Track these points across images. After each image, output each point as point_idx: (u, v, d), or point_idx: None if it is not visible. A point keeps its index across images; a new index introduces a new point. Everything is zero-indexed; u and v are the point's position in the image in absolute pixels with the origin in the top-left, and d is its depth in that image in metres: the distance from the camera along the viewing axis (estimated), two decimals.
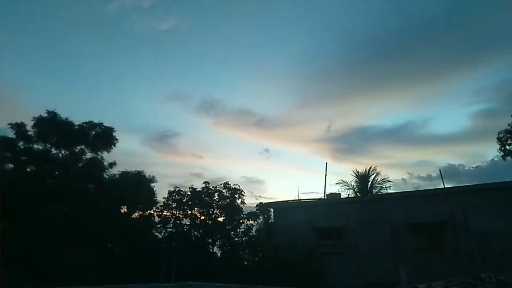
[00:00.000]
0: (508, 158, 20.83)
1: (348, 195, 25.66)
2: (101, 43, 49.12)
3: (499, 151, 21.11)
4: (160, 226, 27.38)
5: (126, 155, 46.30)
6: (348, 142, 52.49)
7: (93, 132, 23.13)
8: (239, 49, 54.36)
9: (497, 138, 21.08)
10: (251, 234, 27.29)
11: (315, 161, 61.92)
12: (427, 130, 49.44)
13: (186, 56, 55.76)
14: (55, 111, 22.18)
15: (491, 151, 53.05)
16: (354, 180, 26.29)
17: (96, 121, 23.43)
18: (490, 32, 38.19)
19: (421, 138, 43.18)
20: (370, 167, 26.19)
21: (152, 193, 26.47)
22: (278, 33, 51.93)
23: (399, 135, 45.38)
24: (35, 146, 22.05)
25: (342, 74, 48.42)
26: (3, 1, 40.89)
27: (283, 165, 60.81)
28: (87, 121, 23.29)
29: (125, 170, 24.77)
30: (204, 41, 53.51)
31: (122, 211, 24.59)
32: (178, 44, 52.86)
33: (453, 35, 39.29)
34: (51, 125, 21.79)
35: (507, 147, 20.74)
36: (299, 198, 25.60)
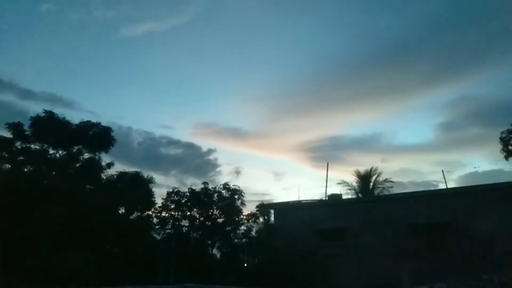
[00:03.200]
0: (511, 158, 20.64)
1: (351, 195, 25.35)
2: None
3: (502, 151, 20.92)
4: (159, 227, 27.08)
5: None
6: (322, 151, 57.28)
7: (91, 132, 22.92)
8: (222, 71, 60.67)
9: (500, 138, 20.89)
10: (251, 235, 27.04)
11: (294, 168, 67.31)
12: (396, 140, 56.08)
13: (179, 80, 61.26)
14: (52, 110, 22.00)
15: (464, 159, 56.38)
16: (355, 180, 25.99)
17: (93, 120, 23.29)
18: (449, 56, 44.33)
19: (393, 148, 46.68)
20: (372, 168, 25.91)
21: (150, 194, 26.20)
22: (257, 56, 57.59)
23: (370, 145, 50.44)
24: (32, 146, 21.83)
25: (314, 90, 54.96)
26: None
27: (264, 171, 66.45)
28: (84, 120, 23.14)
29: (123, 171, 24.61)
30: (191, 68, 58.62)
31: (120, 212, 24.35)
32: (171, 68, 58.20)
33: (416, 59, 44.29)
34: (49, 125, 21.56)
35: (510, 147, 20.54)
36: (300, 199, 25.37)
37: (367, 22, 47.58)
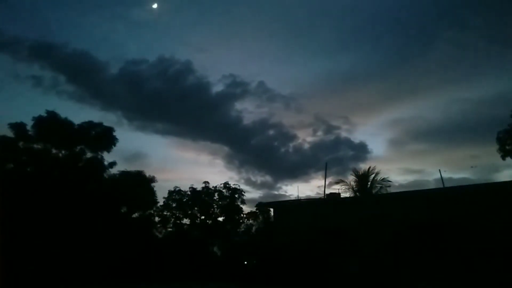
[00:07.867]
0: (508, 158, 20.78)
1: (349, 194, 25.51)
2: None
3: (499, 151, 21.00)
4: (160, 226, 27.39)
5: None
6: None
7: (93, 132, 23.15)
8: None
9: (497, 138, 20.95)
10: (251, 233, 27.32)
11: None
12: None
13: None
14: (55, 110, 22.23)
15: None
16: (353, 179, 26.12)
17: (95, 120, 23.56)
18: (390, 86, 51.17)
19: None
20: (369, 167, 26.05)
21: (152, 193, 26.43)
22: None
23: None
24: (35, 146, 22.01)
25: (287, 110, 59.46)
26: None
27: None
28: (86, 120, 23.36)
29: (125, 170, 24.80)
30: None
31: (122, 211, 24.57)
32: None
33: (374, 83, 51.52)
34: (51, 125, 21.77)
35: (507, 147, 20.63)
36: (299, 198, 25.58)
37: (333, 55, 55.36)
